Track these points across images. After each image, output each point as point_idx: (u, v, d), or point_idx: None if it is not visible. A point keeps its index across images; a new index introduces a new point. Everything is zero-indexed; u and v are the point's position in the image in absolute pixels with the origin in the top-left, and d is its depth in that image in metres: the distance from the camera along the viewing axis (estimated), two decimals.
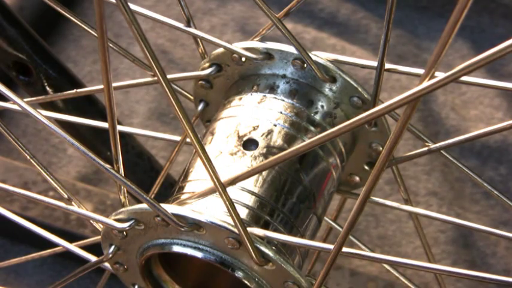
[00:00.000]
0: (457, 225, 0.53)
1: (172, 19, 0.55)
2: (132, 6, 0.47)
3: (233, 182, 0.45)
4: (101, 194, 0.96)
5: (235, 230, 0.46)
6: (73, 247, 0.56)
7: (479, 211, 1.05)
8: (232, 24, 1.24)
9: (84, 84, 0.72)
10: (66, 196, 0.53)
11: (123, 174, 0.46)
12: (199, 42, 0.57)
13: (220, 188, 0.43)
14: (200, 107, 0.59)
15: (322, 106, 0.53)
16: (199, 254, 0.48)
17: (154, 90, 1.16)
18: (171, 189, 0.54)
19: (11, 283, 0.99)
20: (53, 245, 0.58)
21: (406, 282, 0.60)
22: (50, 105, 0.69)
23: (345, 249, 0.43)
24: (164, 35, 1.23)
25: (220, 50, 0.54)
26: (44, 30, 1.20)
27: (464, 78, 0.49)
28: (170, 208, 0.47)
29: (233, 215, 0.44)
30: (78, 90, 0.62)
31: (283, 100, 0.53)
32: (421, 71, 0.52)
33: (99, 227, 0.54)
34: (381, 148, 0.55)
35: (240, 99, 0.54)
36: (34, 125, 1.13)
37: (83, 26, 0.57)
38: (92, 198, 0.95)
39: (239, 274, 0.48)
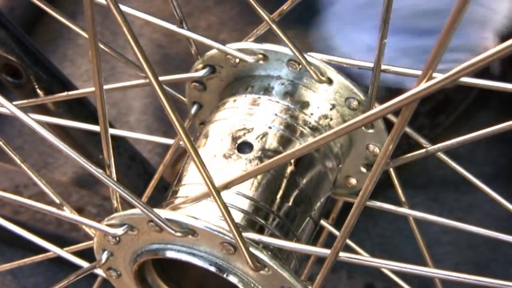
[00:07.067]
0: (457, 229, 0.53)
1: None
2: (123, 8, 0.47)
3: (227, 186, 0.44)
4: (93, 197, 0.95)
5: (230, 235, 0.45)
6: (64, 253, 0.55)
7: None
8: (230, 24, 1.24)
9: (75, 86, 0.72)
10: (58, 201, 0.52)
11: (115, 179, 0.46)
12: (192, 44, 0.56)
13: (215, 192, 0.43)
14: (194, 109, 0.58)
15: (317, 108, 0.52)
16: (193, 260, 0.48)
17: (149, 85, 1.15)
18: (164, 192, 0.53)
19: (7, 285, 0.99)
20: (47, 249, 0.57)
21: (405, 286, 0.59)
22: (40, 108, 0.68)
23: (341, 254, 0.43)
24: (160, 30, 1.22)
25: (214, 51, 0.54)
26: (40, 29, 1.19)
27: (463, 79, 0.49)
28: (163, 213, 0.46)
29: (228, 219, 0.43)
30: (70, 92, 0.61)
31: (278, 102, 0.52)
32: (418, 72, 0.51)
33: (92, 232, 0.54)
34: (378, 150, 0.54)
35: (234, 101, 0.53)
36: None
37: (74, 28, 0.56)
38: (85, 202, 0.94)
39: (234, 279, 0.47)
